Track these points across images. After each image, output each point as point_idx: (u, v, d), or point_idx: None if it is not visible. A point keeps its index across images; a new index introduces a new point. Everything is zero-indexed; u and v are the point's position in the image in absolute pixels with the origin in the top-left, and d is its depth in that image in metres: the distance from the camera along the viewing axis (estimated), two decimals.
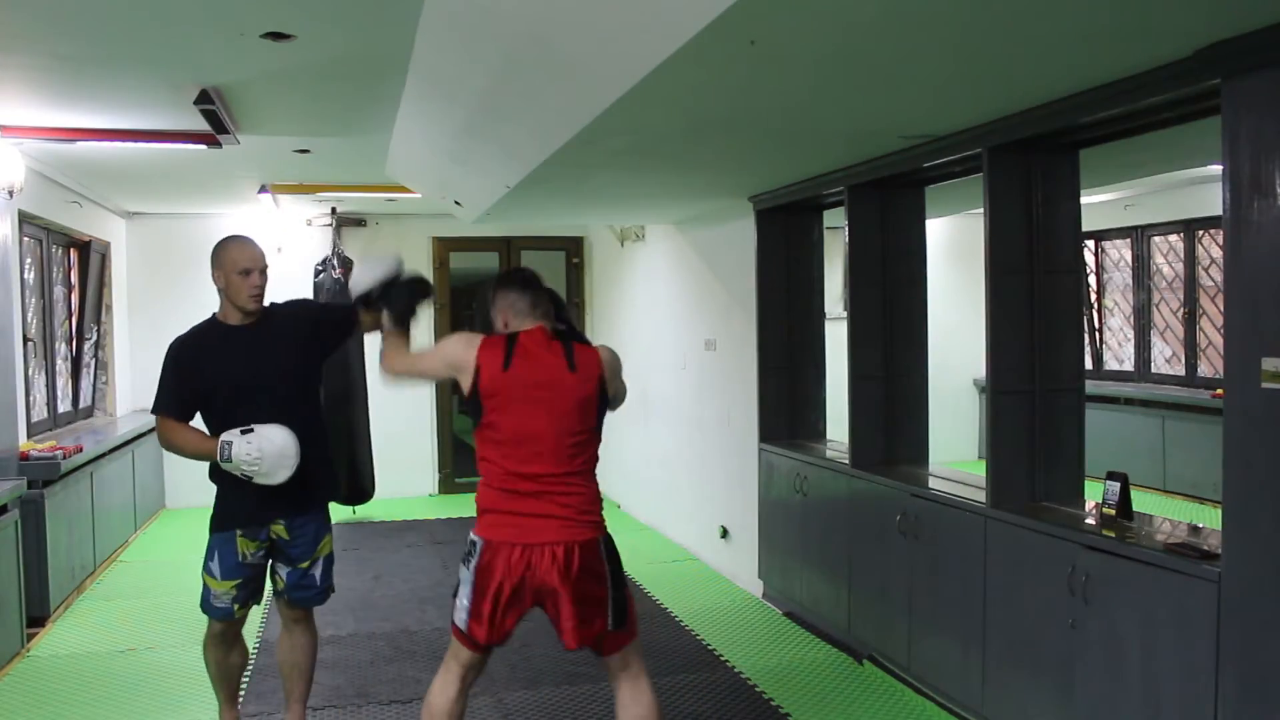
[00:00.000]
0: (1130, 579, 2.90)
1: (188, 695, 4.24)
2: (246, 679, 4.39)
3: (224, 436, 3.21)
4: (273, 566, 3.48)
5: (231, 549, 3.36)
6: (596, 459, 3.06)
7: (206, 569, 3.39)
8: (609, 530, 3.06)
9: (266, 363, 3.34)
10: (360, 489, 7.10)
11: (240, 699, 3.87)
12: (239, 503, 3.35)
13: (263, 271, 3.37)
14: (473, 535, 2.91)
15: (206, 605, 3.42)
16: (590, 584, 2.88)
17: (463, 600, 2.90)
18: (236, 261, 3.32)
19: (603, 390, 2.98)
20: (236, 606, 3.41)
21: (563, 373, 2.91)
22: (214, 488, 3.43)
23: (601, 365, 2.98)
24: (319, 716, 4.00)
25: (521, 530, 2.85)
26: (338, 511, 7.38)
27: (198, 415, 3.40)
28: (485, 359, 2.90)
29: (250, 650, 4.76)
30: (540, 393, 2.89)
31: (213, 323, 3.42)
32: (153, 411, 3.38)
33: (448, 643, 4.46)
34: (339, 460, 6.96)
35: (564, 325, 3.06)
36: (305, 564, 3.45)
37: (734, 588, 5.83)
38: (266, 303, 3.44)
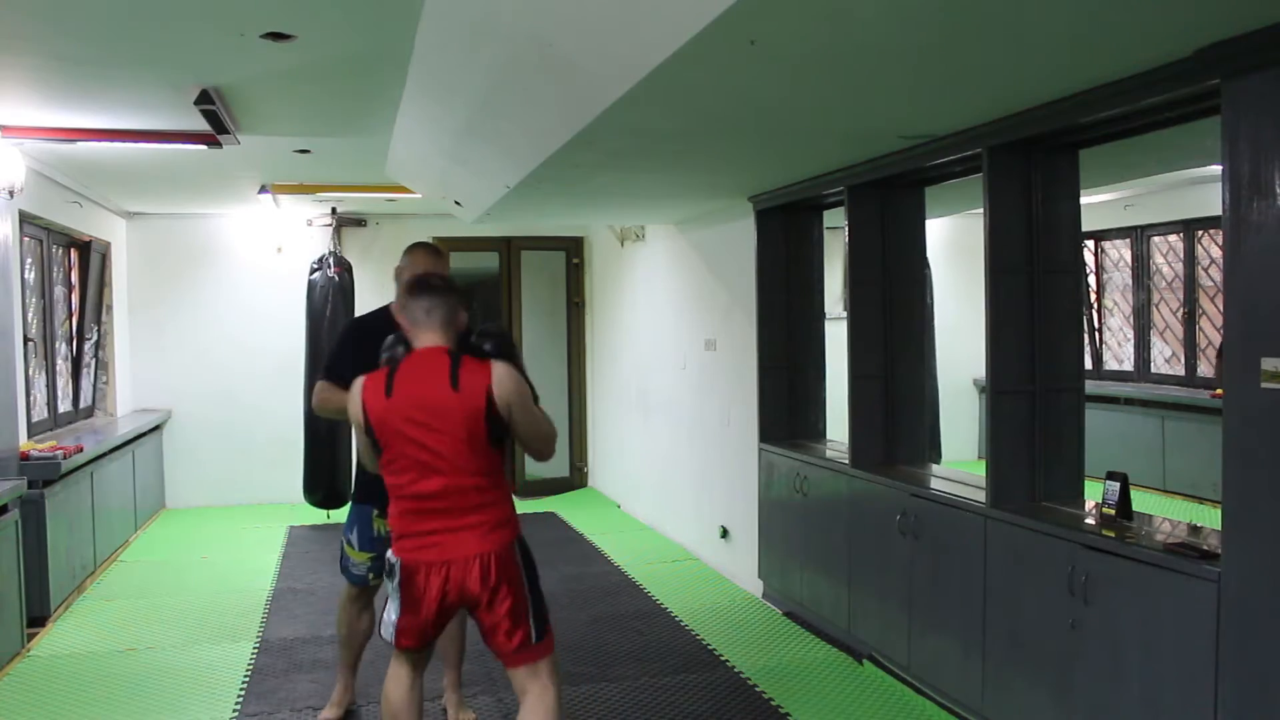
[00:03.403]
0: (1130, 579, 2.90)
1: (188, 695, 4.24)
2: (246, 679, 4.40)
3: None
4: None
5: (367, 523, 3.63)
6: (500, 466, 2.95)
7: (345, 538, 3.68)
8: (523, 535, 2.98)
9: None
10: (338, 493, 7.03)
11: (349, 689, 3.92)
12: (376, 483, 3.43)
13: None
14: (390, 556, 2.89)
15: (345, 570, 3.73)
16: (509, 593, 2.85)
17: (390, 615, 2.90)
18: (412, 267, 3.50)
19: (491, 409, 2.81)
20: (371, 576, 3.67)
21: (444, 391, 2.80)
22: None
23: (489, 381, 2.82)
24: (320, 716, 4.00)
25: (439, 548, 2.81)
26: (312, 515, 7.44)
27: None
28: (369, 394, 2.86)
29: (251, 650, 4.77)
30: (421, 414, 2.80)
31: (386, 312, 3.54)
32: (320, 378, 3.58)
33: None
34: (320, 464, 6.93)
35: (486, 338, 2.97)
36: None
37: (734, 588, 5.83)
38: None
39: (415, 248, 3.64)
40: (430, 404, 2.81)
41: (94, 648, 4.88)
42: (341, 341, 3.74)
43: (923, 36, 2.45)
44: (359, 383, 2.93)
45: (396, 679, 2.99)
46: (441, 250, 3.67)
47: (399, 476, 2.87)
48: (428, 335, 2.91)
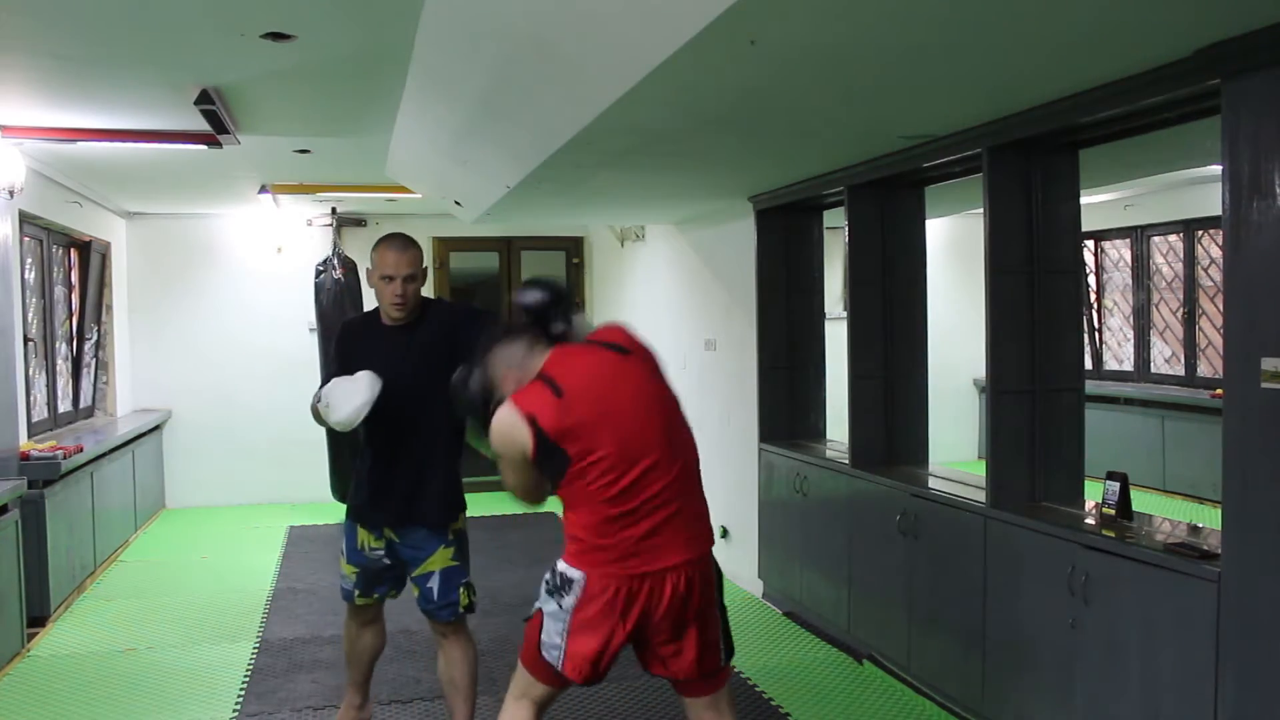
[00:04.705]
0: (1130, 579, 2.90)
1: (188, 695, 4.24)
2: (246, 679, 4.40)
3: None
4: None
5: (354, 535, 3.43)
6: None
7: (341, 548, 3.51)
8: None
9: (402, 367, 3.22)
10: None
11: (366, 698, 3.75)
12: (356, 496, 3.46)
13: (407, 279, 3.22)
14: (566, 568, 2.52)
15: (340, 583, 3.56)
16: (710, 607, 2.58)
17: (554, 638, 2.52)
18: (379, 266, 3.24)
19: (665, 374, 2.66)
20: (357, 593, 3.47)
21: (620, 362, 2.56)
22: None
23: (652, 352, 2.69)
24: (319, 716, 4.00)
25: (644, 557, 2.46)
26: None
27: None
28: (534, 407, 2.46)
29: (251, 650, 4.77)
30: (617, 391, 2.50)
31: (375, 314, 3.41)
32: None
33: None
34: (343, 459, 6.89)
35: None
36: (417, 572, 3.36)
37: (734, 588, 5.82)
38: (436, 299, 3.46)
39: (381, 243, 3.28)
40: (619, 379, 2.54)
41: (94, 648, 4.88)
42: (336, 351, 3.45)
43: (923, 36, 2.45)
44: (509, 413, 2.48)
45: None
46: (412, 240, 3.31)
47: (595, 483, 2.46)
48: (537, 358, 2.62)
